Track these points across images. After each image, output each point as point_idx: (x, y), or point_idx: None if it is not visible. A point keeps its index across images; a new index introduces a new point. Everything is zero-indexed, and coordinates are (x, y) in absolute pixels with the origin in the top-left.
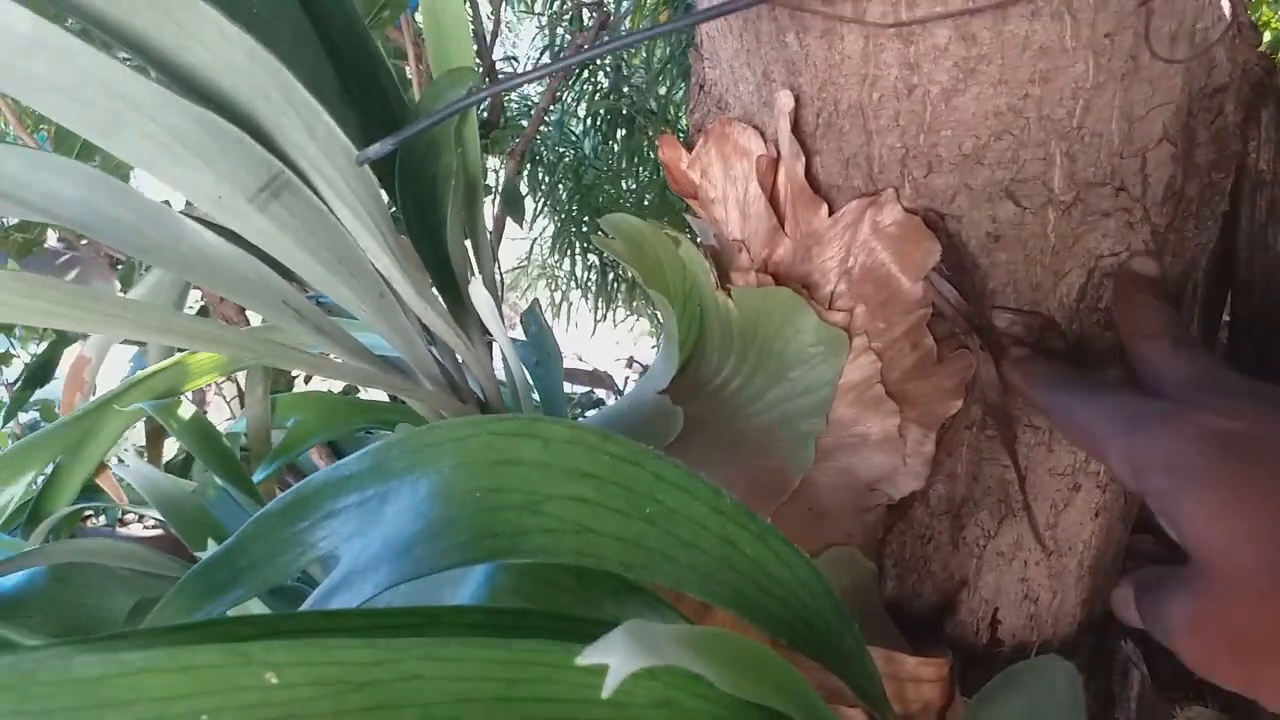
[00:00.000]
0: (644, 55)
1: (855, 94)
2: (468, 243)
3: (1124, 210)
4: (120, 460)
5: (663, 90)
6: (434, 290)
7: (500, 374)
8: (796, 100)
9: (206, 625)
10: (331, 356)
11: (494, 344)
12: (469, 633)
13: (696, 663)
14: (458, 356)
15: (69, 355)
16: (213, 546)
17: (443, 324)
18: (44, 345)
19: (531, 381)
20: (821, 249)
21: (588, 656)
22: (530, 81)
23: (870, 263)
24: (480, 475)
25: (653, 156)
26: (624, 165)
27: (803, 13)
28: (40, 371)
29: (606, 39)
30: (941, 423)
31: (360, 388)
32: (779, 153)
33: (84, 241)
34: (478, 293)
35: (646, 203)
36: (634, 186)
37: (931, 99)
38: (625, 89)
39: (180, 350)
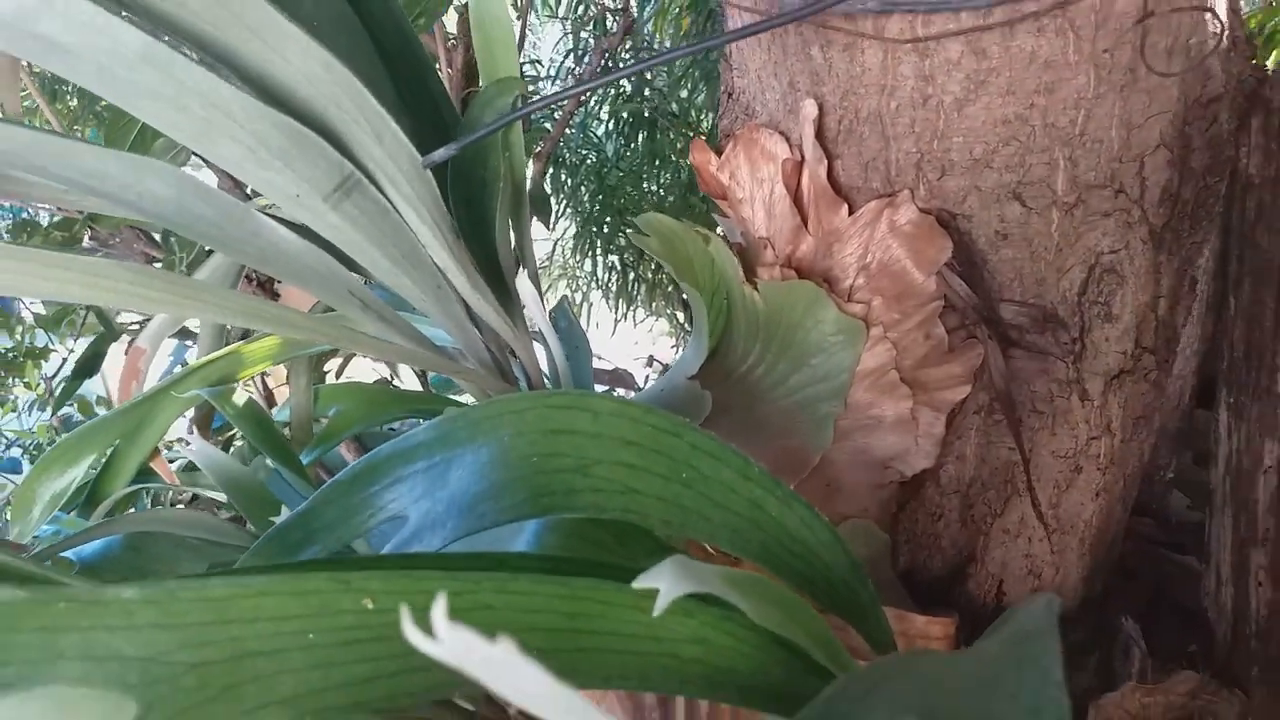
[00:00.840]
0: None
1: (874, 103)
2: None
3: (1123, 211)
4: (185, 440)
5: (684, 93)
6: (484, 282)
7: (541, 358)
8: (820, 108)
9: (314, 561)
10: (392, 341)
11: (536, 331)
12: (532, 574)
13: (733, 595)
14: (504, 342)
15: (113, 349)
16: (285, 513)
17: (492, 313)
18: (78, 340)
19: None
20: (842, 246)
21: (641, 581)
22: (582, 93)
23: (887, 259)
24: (536, 443)
25: (674, 159)
26: (645, 167)
27: (827, 29)
28: (89, 363)
29: (650, 54)
30: (951, 407)
31: (395, 380)
32: (803, 156)
33: (117, 239)
34: (523, 285)
35: (668, 204)
36: (655, 188)
37: (945, 108)
38: (647, 92)
39: (236, 341)
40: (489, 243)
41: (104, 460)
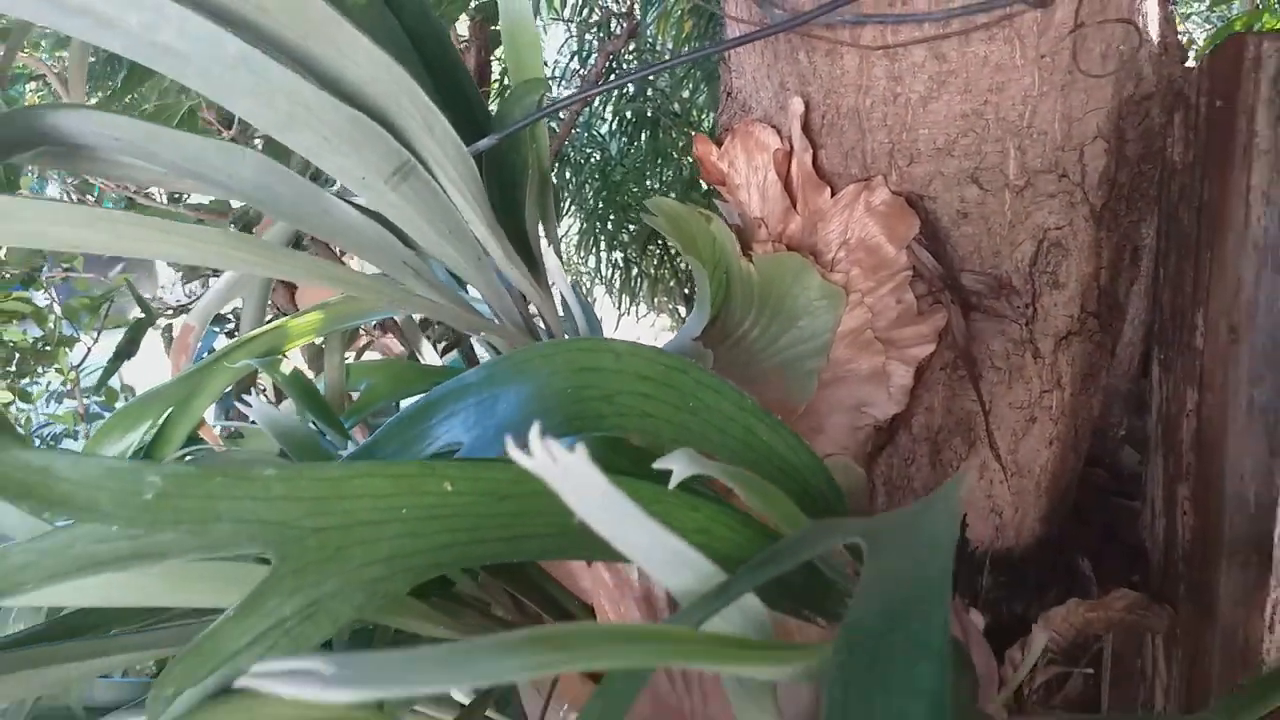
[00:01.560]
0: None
1: (852, 100)
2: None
3: (1066, 193)
4: (244, 401)
5: (686, 94)
6: (516, 255)
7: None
8: (806, 105)
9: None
10: (438, 301)
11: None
12: None
13: (732, 481)
14: (532, 306)
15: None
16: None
17: (524, 280)
18: (101, 330)
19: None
20: (825, 224)
21: (661, 463)
22: (599, 93)
23: (864, 234)
24: (568, 378)
25: (675, 156)
26: (648, 165)
27: (811, 37)
28: (129, 346)
29: (657, 59)
30: (919, 362)
31: (420, 355)
32: (792, 146)
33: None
34: (549, 258)
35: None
36: (657, 185)
37: (912, 104)
38: (650, 92)
39: (277, 320)
40: (519, 221)
41: (157, 427)
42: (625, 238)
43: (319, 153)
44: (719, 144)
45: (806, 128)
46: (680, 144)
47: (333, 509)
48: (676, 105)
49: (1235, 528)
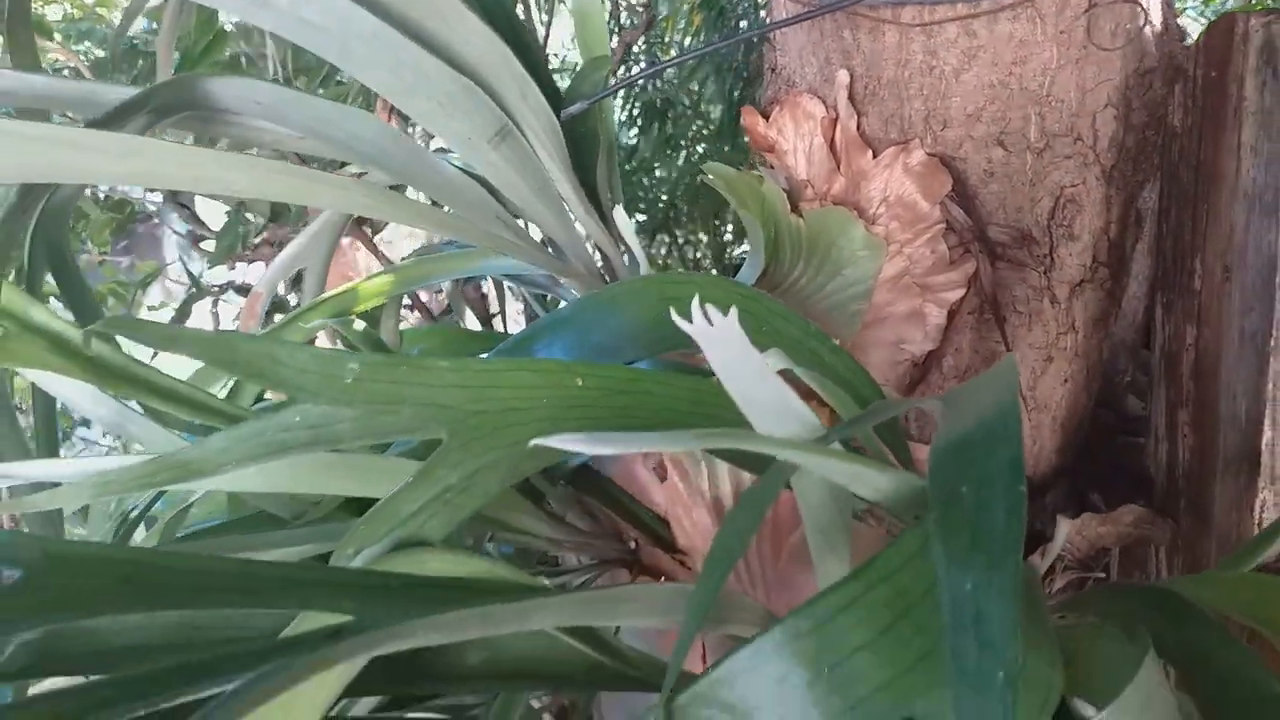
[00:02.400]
0: (676, 54)
1: (892, 72)
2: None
3: (1080, 155)
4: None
5: (695, 86)
6: (593, 210)
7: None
8: (850, 76)
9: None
10: (525, 246)
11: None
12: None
13: (812, 381)
14: (605, 254)
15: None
16: None
17: (599, 231)
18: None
19: None
20: (867, 183)
21: (765, 355)
22: (652, 76)
23: (902, 192)
24: (654, 307)
25: (685, 147)
26: (658, 156)
27: (856, 16)
28: (180, 319)
29: (670, 52)
30: (951, 305)
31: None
32: (838, 114)
33: (155, 221)
34: (619, 214)
35: (680, 190)
36: (668, 176)
37: (946, 76)
38: (659, 84)
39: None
40: (592, 181)
41: (229, 387)
42: (635, 227)
43: (434, 117)
44: (765, 116)
45: (851, 97)
46: (689, 134)
47: (490, 396)
48: (686, 99)
49: (1229, 443)
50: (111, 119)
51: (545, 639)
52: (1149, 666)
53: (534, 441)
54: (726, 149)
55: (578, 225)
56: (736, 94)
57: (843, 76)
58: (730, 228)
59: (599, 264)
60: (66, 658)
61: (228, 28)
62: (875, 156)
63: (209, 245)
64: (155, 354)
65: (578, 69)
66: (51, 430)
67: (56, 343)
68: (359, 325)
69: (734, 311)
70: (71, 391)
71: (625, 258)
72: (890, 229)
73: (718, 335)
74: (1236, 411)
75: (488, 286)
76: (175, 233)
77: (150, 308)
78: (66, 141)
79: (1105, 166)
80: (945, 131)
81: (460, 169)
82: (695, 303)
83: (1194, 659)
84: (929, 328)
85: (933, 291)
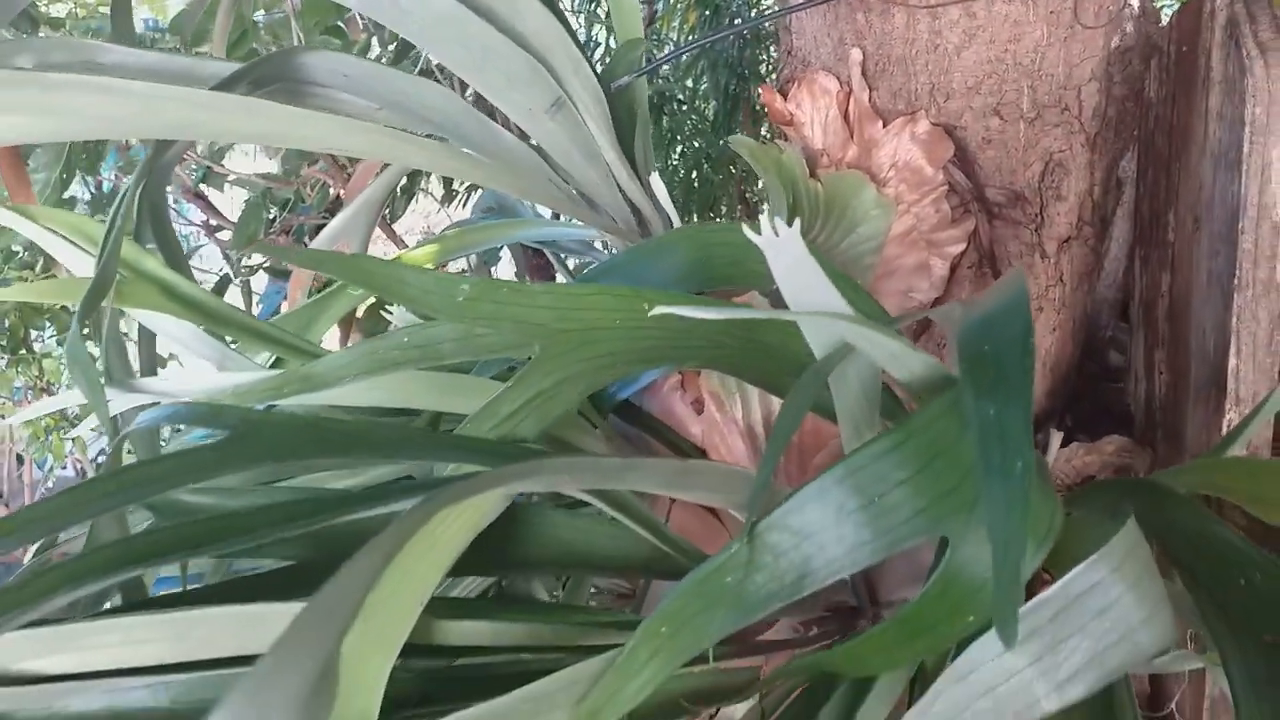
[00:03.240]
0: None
1: (900, 50)
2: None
3: (1067, 123)
4: (386, 309)
5: (689, 83)
6: (635, 175)
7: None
8: (863, 55)
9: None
10: (576, 205)
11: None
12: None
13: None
14: (642, 213)
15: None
16: None
17: (639, 193)
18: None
19: None
20: (878, 150)
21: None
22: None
23: (909, 158)
24: (701, 250)
25: (681, 142)
26: (657, 149)
27: (867, 0)
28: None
29: (664, 50)
30: (953, 259)
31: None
32: (851, 89)
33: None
34: (655, 180)
35: (677, 183)
36: (664, 168)
37: (948, 53)
38: (655, 80)
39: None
40: (630, 150)
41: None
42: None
43: (500, 89)
44: (783, 94)
45: (863, 73)
46: (686, 128)
47: (574, 316)
48: (681, 94)
49: (1199, 374)
50: (221, 88)
51: (611, 533)
52: (1130, 529)
53: (655, 310)
54: (722, 143)
55: (619, 188)
56: (733, 89)
57: (856, 54)
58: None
59: (636, 223)
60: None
61: (258, 18)
62: (885, 126)
63: (224, 235)
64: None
65: (614, 51)
66: (153, 361)
67: (165, 288)
68: None
69: (796, 223)
70: (174, 328)
71: (659, 217)
72: (899, 191)
73: (781, 244)
74: (1205, 345)
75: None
76: (191, 223)
77: None
78: (201, 103)
79: (1090, 134)
80: (948, 103)
81: (517, 137)
82: (765, 219)
83: (1168, 528)
84: (934, 278)
85: (937, 246)
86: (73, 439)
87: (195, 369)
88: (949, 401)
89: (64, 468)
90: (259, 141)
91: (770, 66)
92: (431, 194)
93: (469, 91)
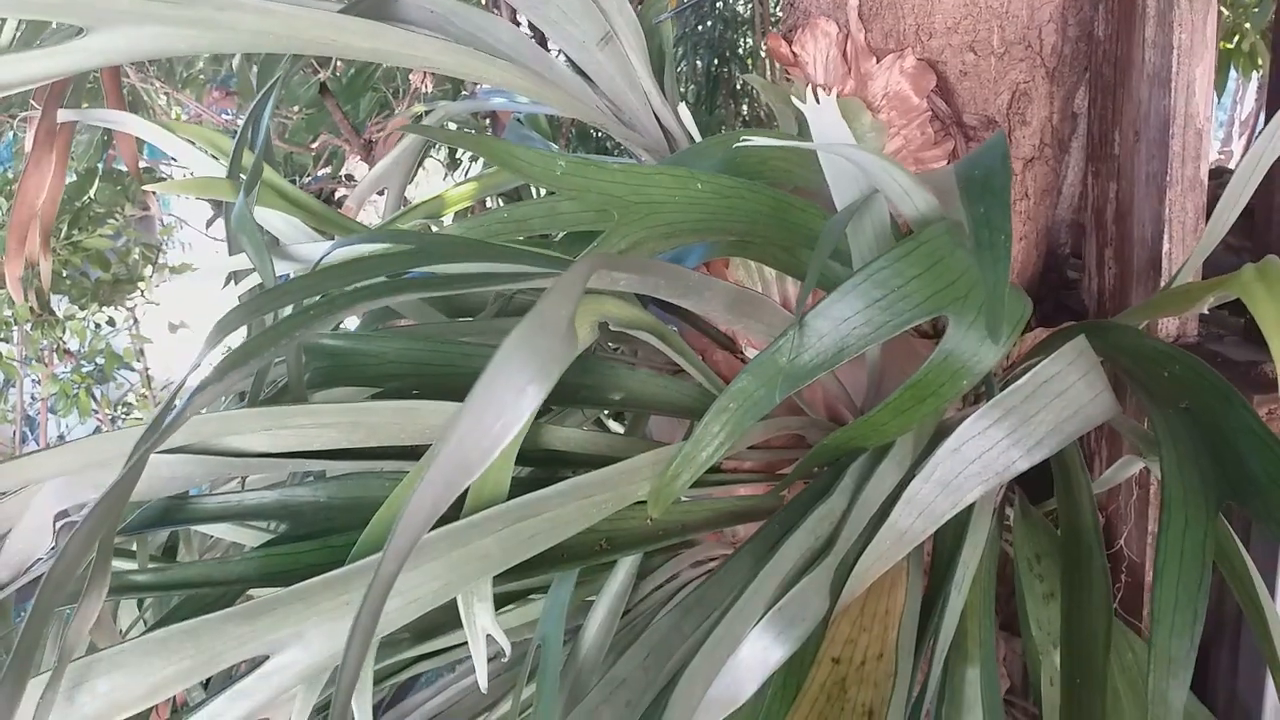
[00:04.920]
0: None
1: None
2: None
3: (1030, 59)
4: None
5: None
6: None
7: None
8: (859, 1)
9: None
10: (617, 124)
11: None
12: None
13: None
14: (672, 135)
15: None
16: None
17: (671, 118)
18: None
19: None
20: (872, 82)
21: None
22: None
23: (898, 88)
24: (727, 153)
25: None
26: None
27: None
28: None
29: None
30: None
31: None
32: (849, 31)
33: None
34: (684, 109)
35: None
36: None
37: None
38: None
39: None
40: (661, 81)
41: None
42: None
43: (558, 23)
44: (788, 40)
45: (859, 16)
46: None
47: (643, 191)
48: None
49: (1140, 259)
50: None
51: (664, 383)
52: (1080, 339)
53: (740, 141)
54: (706, 118)
55: (654, 113)
56: (714, 69)
57: (853, 0)
58: None
59: (667, 143)
60: None
61: None
62: (878, 62)
63: None
64: None
65: None
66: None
67: (278, 190)
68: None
69: (834, 92)
70: (281, 224)
71: (685, 138)
72: (890, 116)
73: (820, 109)
74: (1145, 235)
75: None
76: (198, 196)
77: (171, 268)
78: (332, 24)
79: (1049, 68)
80: (931, 41)
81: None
82: (809, 89)
83: (1114, 347)
84: None
85: (923, 163)
86: (97, 395)
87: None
88: (946, 226)
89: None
90: (374, 58)
91: (747, 51)
92: (440, 159)
93: (524, 26)
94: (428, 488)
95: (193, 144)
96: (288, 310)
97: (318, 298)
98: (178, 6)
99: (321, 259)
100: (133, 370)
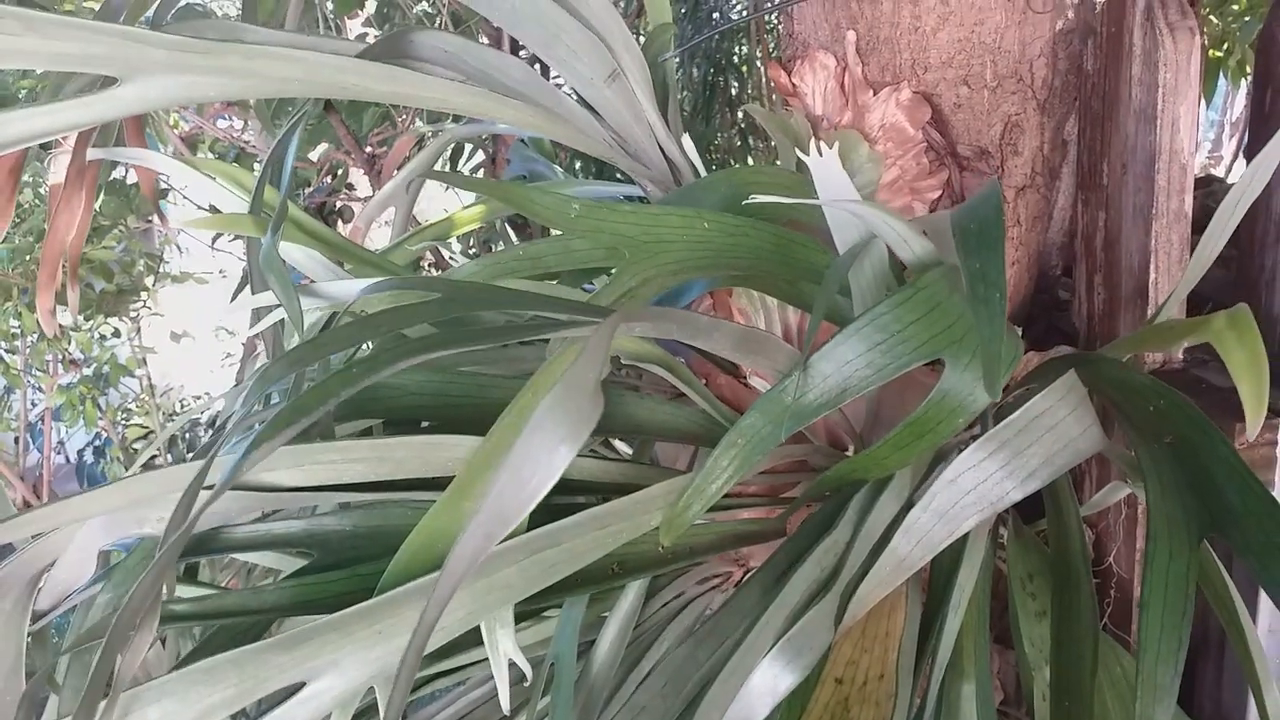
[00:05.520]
0: None
1: (887, 31)
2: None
3: (1021, 91)
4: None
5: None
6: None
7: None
8: (856, 35)
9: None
10: (623, 157)
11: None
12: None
13: None
14: (677, 167)
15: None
16: None
17: (676, 151)
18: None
19: None
20: (869, 114)
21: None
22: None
23: (894, 120)
24: (731, 191)
25: None
26: None
27: None
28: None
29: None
30: (931, 203)
31: None
32: (846, 64)
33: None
34: (686, 141)
35: None
36: None
37: (926, 33)
38: None
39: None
40: (666, 115)
41: None
42: None
43: (567, 61)
44: (786, 70)
45: (857, 50)
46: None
47: (652, 231)
48: None
49: (1128, 287)
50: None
51: (671, 410)
52: (1070, 375)
53: (747, 195)
54: (702, 128)
55: (659, 146)
56: (710, 78)
57: (851, 35)
58: None
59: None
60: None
61: None
62: (875, 94)
63: None
64: None
65: (648, 32)
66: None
67: (298, 224)
68: (456, 245)
69: (836, 145)
70: (301, 256)
71: (689, 170)
72: (886, 148)
73: (823, 161)
74: (1132, 264)
75: None
76: (199, 208)
77: (172, 277)
78: (351, 69)
79: (1040, 100)
80: (926, 75)
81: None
82: (812, 144)
83: (1101, 379)
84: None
85: (918, 193)
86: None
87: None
88: (942, 272)
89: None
90: (393, 100)
91: (742, 59)
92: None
93: (534, 64)
94: (470, 539)
95: (213, 178)
96: (325, 353)
97: (357, 348)
98: (209, 56)
99: (350, 304)
100: (134, 378)
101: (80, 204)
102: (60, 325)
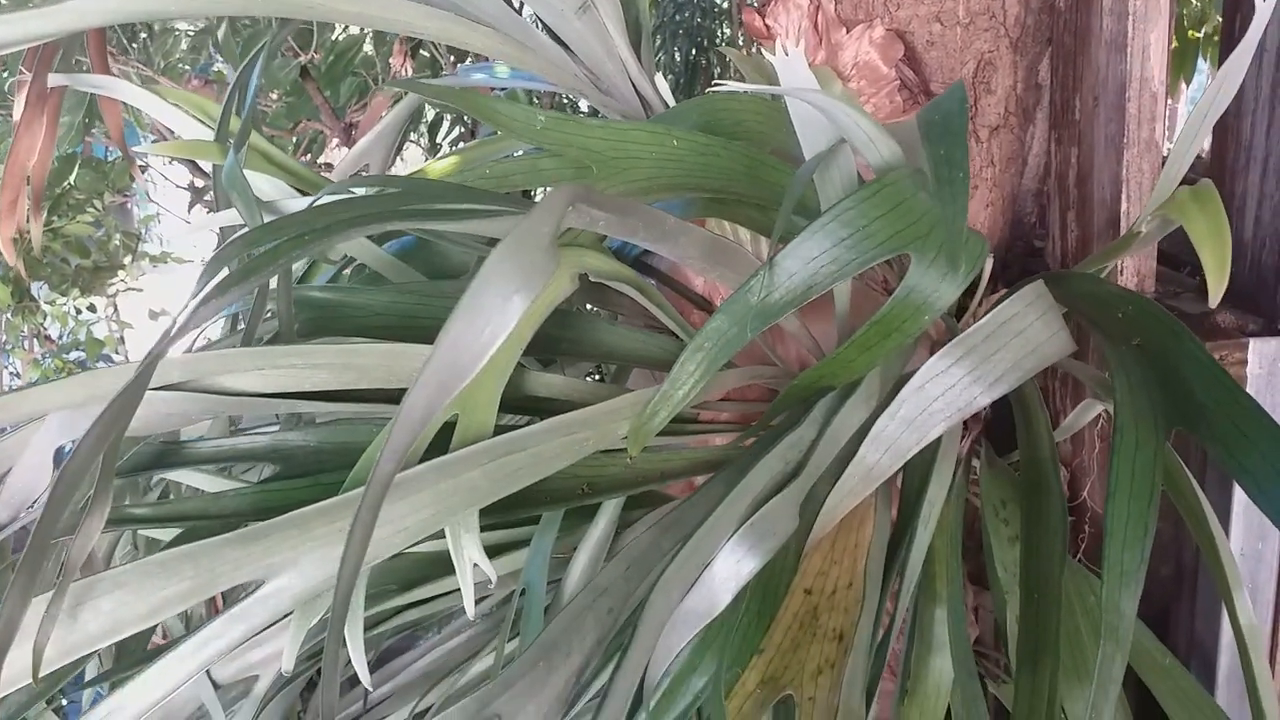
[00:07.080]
0: None
1: None
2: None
3: (994, 29)
4: None
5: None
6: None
7: None
8: None
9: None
10: (593, 92)
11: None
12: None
13: None
14: (649, 102)
15: None
16: None
17: (648, 87)
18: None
19: None
20: (843, 52)
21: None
22: None
23: (867, 58)
24: (710, 115)
25: None
26: None
27: None
28: None
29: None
30: None
31: None
32: (820, 2)
33: (126, 195)
34: (660, 80)
35: None
36: None
37: None
38: None
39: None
40: (639, 51)
41: None
42: None
43: None
44: (761, 15)
45: None
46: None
47: (620, 146)
48: None
49: (1100, 219)
50: None
51: (643, 337)
52: (1038, 283)
53: (712, 89)
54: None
55: (631, 81)
56: (692, 57)
57: None
58: None
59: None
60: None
61: None
62: (848, 32)
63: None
64: None
65: None
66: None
67: (264, 155)
68: None
69: (802, 44)
70: (267, 185)
71: (661, 106)
72: (860, 85)
73: (789, 61)
74: (1104, 196)
75: None
76: (178, 186)
77: (151, 257)
78: None
79: (1013, 38)
80: (899, 12)
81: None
82: (779, 43)
83: (1072, 293)
84: None
85: None
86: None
87: None
88: (909, 172)
89: None
90: (358, 23)
91: (725, 40)
92: (420, 145)
93: None
94: (421, 389)
95: (180, 108)
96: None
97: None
98: None
99: (314, 201)
100: (115, 356)
101: (41, 130)
102: (35, 300)
